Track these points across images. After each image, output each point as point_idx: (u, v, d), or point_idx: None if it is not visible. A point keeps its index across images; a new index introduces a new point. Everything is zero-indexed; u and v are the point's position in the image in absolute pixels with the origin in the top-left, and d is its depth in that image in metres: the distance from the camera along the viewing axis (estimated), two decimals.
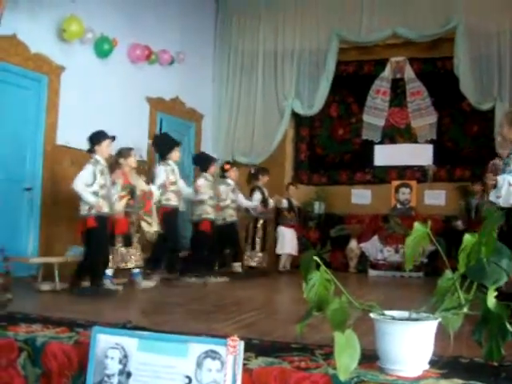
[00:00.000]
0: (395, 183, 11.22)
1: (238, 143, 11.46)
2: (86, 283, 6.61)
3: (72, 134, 8.07)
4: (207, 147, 11.00)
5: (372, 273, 10.27)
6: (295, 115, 11.55)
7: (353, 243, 10.61)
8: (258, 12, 11.57)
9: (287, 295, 7.40)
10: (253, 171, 9.97)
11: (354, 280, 9.62)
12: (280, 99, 11.31)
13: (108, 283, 6.82)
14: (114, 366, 2.97)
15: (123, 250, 7.04)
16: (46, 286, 6.50)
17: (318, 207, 11.25)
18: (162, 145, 8.16)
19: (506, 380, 2.64)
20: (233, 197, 9.11)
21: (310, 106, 11.17)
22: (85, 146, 8.06)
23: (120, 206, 7.00)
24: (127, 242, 7.09)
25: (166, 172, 7.89)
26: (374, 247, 10.46)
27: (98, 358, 3.03)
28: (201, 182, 8.48)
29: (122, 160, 7.17)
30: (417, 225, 3.07)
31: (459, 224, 9.57)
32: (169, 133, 10.07)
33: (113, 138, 6.71)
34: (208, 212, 8.50)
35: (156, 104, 9.96)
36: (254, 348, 3.28)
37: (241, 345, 2.76)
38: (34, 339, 3.42)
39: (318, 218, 11.18)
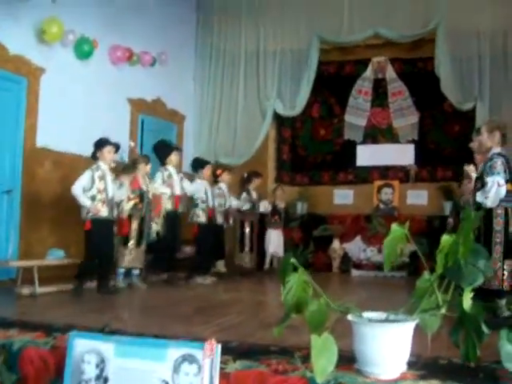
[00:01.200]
0: (377, 183, 11.25)
1: (220, 144, 11.42)
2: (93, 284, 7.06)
3: (52, 136, 8.02)
4: (189, 148, 10.98)
5: (355, 273, 10.28)
6: (277, 116, 11.52)
7: (336, 243, 10.60)
8: (239, 12, 11.54)
9: (270, 297, 7.33)
10: (246, 175, 10.01)
11: (337, 280, 9.63)
12: (262, 100, 11.29)
13: (120, 281, 7.43)
14: (90, 371, 2.94)
15: (125, 250, 7.49)
16: (25, 290, 6.47)
17: (301, 207, 11.24)
18: (160, 150, 8.43)
19: (484, 380, 2.65)
20: (222, 201, 9.26)
21: (291, 107, 11.16)
22: (65, 147, 8.12)
23: (127, 207, 7.46)
24: (126, 243, 7.50)
25: (161, 178, 8.20)
26: (356, 247, 10.47)
27: (75, 363, 3.00)
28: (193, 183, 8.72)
29: (139, 165, 7.64)
30: (394, 225, 3.08)
31: (450, 222, 9.58)
32: (150, 134, 10.12)
33: (115, 145, 7.10)
34: (198, 215, 8.72)
35: (137, 105, 9.91)
36: (232, 351, 3.27)
37: (218, 348, 2.74)
38: (11, 344, 3.39)
39: (301, 218, 11.16)
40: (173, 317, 5.03)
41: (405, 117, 11.29)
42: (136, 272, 7.65)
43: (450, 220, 9.59)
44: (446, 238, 2.94)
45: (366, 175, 11.46)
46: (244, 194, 9.80)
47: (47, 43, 7.97)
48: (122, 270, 7.51)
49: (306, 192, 11.50)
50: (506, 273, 5.11)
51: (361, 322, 2.78)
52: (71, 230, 8.02)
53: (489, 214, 5.19)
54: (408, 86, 11.27)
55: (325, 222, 11.00)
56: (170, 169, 8.29)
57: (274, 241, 10.31)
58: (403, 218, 10.34)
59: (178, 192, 8.24)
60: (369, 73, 11.52)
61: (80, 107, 8.49)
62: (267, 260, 10.33)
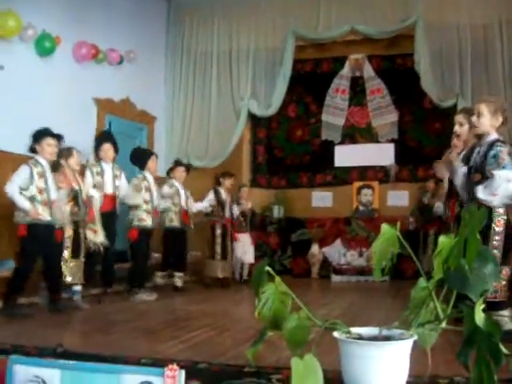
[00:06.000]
0: (357, 184, 10.92)
1: (192, 146, 10.93)
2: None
3: (11, 138, 7.47)
4: (160, 151, 10.48)
5: (335, 278, 9.90)
6: (252, 116, 11.08)
7: (314, 248, 10.23)
8: (211, 11, 11.10)
9: (243, 308, 6.77)
10: (218, 175, 9.43)
11: (317, 287, 9.27)
12: (236, 100, 10.83)
13: (78, 300, 6.47)
14: None
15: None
16: None
17: (278, 211, 10.85)
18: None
19: None
20: (176, 200, 8.41)
21: (267, 107, 10.72)
22: (24, 150, 7.51)
23: (66, 214, 6.36)
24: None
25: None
26: (336, 251, 10.11)
27: None
28: (135, 182, 7.75)
29: (62, 161, 6.51)
30: (384, 226, 2.67)
31: (411, 222, 9.24)
32: (118, 136, 9.62)
33: (58, 137, 6.22)
34: (143, 218, 7.65)
35: (104, 105, 9.39)
36: (200, 374, 2.82)
37: (181, 375, 2.29)
38: None
39: (278, 222, 10.80)
40: (135, 333, 4.56)
41: (384, 116, 11.02)
42: (77, 288, 6.56)
43: (412, 219, 9.26)
44: (444, 240, 2.53)
45: (344, 176, 11.15)
46: (210, 193, 9.09)
47: (4, 38, 7.46)
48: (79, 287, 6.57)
49: (283, 195, 11.16)
50: (503, 282, 4.24)
51: (350, 341, 2.35)
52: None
53: (488, 212, 4.21)
54: (386, 83, 11.02)
55: (303, 225, 10.68)
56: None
57: (240, 247, 9.42)
58: (384, 220, 10.00)
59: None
60: (346, 70, 11.24)
61: (41, 107, 7.91)
62: (237, 268, 9.48)
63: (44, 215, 6.00)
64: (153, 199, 7.76)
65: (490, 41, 9.63)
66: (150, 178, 7.86)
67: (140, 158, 8.00)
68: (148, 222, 7.65)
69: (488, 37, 9.65)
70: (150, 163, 7.89)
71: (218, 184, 9.23)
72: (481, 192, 4.35)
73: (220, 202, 9.11)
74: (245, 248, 9.47)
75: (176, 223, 8.33)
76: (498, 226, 4.31)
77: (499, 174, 4.24)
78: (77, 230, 6.59)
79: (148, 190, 7.73)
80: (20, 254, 6.01)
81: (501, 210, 4.35)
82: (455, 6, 9.75)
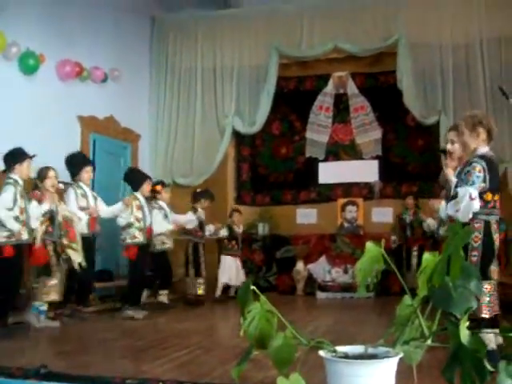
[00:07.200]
0: (341, 201, 10.95)
1: (177, 164, 10.89)
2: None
3: None
4: (144, 169, 10.45)
5: (320, 295, 9.88)
6: (236, 134, 11.10)
7: (299, 265, 10.21)
8: (195, 28, 11.11)
9: (228, 326, 6.76)
10: (197, 191, 9.44)
11: (302, 304, 9.26)
12: (220, 117, 10.83)
13: (42, 319, 6.36)
14: None
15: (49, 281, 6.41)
16: None
17: (262, 229, 10.87)
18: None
19: None
20: (166, 223, 8.52)
21: (251, 124, 10.72)
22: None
23: (40, 232, 6.38)
24: (48, 273, 6.42)
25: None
26: (321, 268, 10.10)
27: None
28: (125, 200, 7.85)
29: (38, 182, 6.56)
30: (369, 244, 2.68)
31: (394, 240, 9.25)
32: (102, 154, 9.62)
33: (31, 157, 6.27)
34: (136, 236, 7.70)
35: (88, 123, 9.35)
36: None
37: None
38: None
39: (263, 239, 10.79)
40: (120, 352, 4.53)
41: (367, 133, 11.11)
42: (44, 308, 6.49)
43: (394, 238, 9.24)
44: (428, 257, 2.55)
45: (329, 193, 11.22)
46: (190, 213, 9.10)
47: None
48: (43, 306, 6.44)
49: (268, 212, 11.20)
50: (485, 298, 4.16)
51: (336, 359, 2.35)
52: None
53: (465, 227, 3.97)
54: (370, 100, 11.11)
55: (288, 243, 10.68)
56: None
57: (230, 269, 9.53)
58: (369, 237, 10.03)
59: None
60: (330, 88, 11.31)
61: (24, 125, 7.82)
62: (219, 288, 9.46)
63: (24, 235, 6.02)
64: (145, 217, 7.84)
65: (472, 58, 9.70)
66: (142, 198, 7.99)
67: (136, 179, 8.14)
68: (140, 239, 7.71)
69: (469, 54, 9.73)
70: (145, 186, 8.02)
71: (196, 203, 9.24)
72: (449, 207, 4.38)
73: (199, 222, 9.16)
74: (238, 271, 9.63)
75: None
76: (476, 241, 4.26)
77: (463, 190, 4.19)
78: (55, 249, 6.58)
79: (140, 208, 7.81)
80: (6, 275, 5.85)
81: (476, 225, 4.27)
82: (437, 23, 9.83)
